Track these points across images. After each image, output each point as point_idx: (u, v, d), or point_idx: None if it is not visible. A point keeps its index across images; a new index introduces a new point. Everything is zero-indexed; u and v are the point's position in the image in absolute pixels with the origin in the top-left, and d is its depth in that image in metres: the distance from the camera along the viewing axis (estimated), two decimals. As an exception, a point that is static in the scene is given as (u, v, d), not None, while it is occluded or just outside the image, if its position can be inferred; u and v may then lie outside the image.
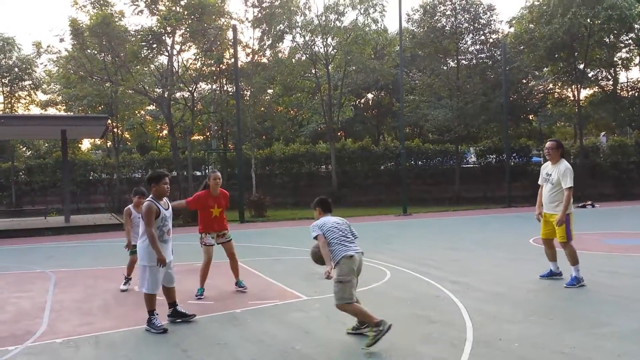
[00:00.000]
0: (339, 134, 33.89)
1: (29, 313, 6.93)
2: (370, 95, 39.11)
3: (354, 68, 30.30)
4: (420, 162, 31.67)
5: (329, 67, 29.39)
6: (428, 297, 7.25)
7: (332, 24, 28.07)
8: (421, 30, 29.95)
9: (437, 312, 6.42)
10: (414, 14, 30.26)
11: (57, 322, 6.42)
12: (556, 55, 28.70)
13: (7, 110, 30.60)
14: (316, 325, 5.97)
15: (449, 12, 29.35)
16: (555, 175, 7.46)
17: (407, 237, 14.92)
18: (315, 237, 5.60)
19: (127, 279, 8.32)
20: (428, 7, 29.46)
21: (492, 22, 29.80)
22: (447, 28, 29.40)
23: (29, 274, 10.12)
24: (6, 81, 30.28)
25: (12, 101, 31.14)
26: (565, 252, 7.49)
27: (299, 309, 6.72)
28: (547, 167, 7.74)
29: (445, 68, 30.80)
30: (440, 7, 29.37)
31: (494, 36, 30.23)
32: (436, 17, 29.42)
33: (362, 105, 39.37)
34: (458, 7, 29.15)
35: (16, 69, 30.08)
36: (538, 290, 7.47)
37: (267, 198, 23.76)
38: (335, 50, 29.36)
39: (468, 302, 6.80)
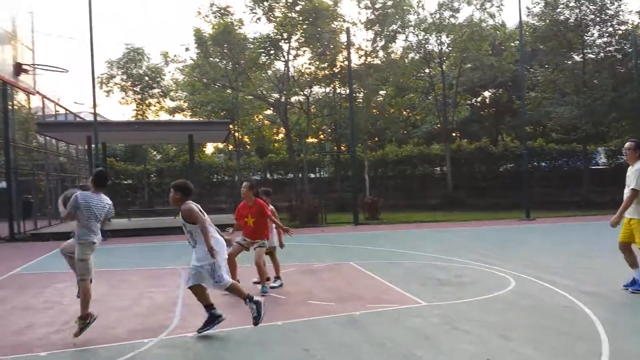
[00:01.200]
0: (454, 134, 33.00)
1: (162, 307, 7.42)
2: (487, 93, 37.66)
3: (469, 65, 29.39)
4: (543, 163, 29.98)
5: (443, 66, 28.75)
6: (557, 307, 6.82)
7: (447, 21, 27.45)
8: (542, 23, 28.47)
9: (568, 324, 6.02)
10: (534, 7, 28.90)
11: (189, 317, 6.82)
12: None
13: (139, 116, 33.22)
14: (437, 332, 5.82)
15: (572, 4, 27.57)
16: (632, 176, 7.22)
17: (531, 243, 14.15)
18: None
19: (277, 278, 8.64)
20: (550, -1, 27.85)
21: (620, 13, 27.59)
22: (570, 20, 27.66)
23: (161, 270, 10.87)
24: (137, 89, 32.86)
25: (143, 108, 33.74)
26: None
27: (419, 314, 6.60)
28: (628, 170, 7.45)
29: (569, 62, 28.94)
30: (562, -1, 27.67)
31: (622, 27, 27.98)
32: (559, 9, 27.77)
33: (478, 104, 38.02)
34: (583, -2, 27.29)
35: (146, 78, 32.54)
36: (686, 305, 6.76)
37: (381, 200, 23.68)
38: (450, 48, 28.66)
39: (601, 313, 6.31)
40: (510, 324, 6.08)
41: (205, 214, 6.13)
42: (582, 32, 27.64)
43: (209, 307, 6.11)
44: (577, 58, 29.03)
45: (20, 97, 25.39)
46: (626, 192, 7.32)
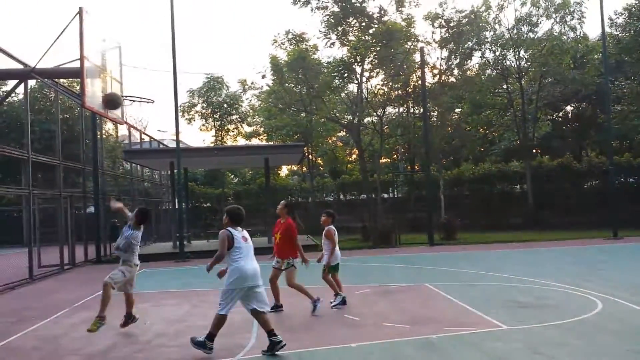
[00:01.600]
0: (534, 150, 31.81)
1: (239, 327, 7.56)
2: (569, 108, 36.10)
3: (550, 80, 28.36)
4: (631, 179, 28.24)
5: (522, 81, 27.92)
6: (648, 332, 6.38)
7: (525, 35, 26.71)
8: (627, 34, 27.16)
9: (663, 351, 5.61)
10: (617, 18, 27.61)
11: (264, 337, 6.89)
12: None
13: (218, 142, 34.44)
14: (519, 357, 5.59)
15: (658, 12, 26.09)
16: None
17: (619, 263, 13.34)
18: None
19: (338, 294, 8.75)
20: (634, 9, 26.52)
21: None
22: (657, 29, 26.14)
23: (239, 290, 11.07)
24: (217, 116, 34.12)
25: (222, 134, 34.97)
26: None
27: (499, 338, 6.36)
28: None
29: (657, 74, 27.27)
30: (647, 9, 26.27)
31: None
32: (643, 19, 26.35)
33: (560, 119, 36.48)
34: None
35: (225, 105, 33.78)
36: None
37: (457, 220, 23.09)
38: (528, 63, 27.83)
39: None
40: (598, 349, 5.74)
41: (246, 239, 6.54)
42: (671, 41, 26.05)
43: (269, 333, 6.24)
44: (665, 68, 27.33)
45: (108, 127, 27.06)
46: None
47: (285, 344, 6.11)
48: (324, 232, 8.96)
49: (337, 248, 8.89)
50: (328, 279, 8.84)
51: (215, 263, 6.37)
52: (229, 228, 6.45)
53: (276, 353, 6.05)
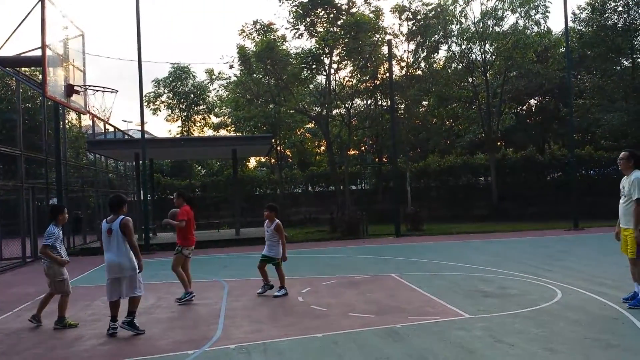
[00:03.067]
0: (498, 143, 32.41)
1: (206, 319, 7.56)
2: (533, 101, 36.87)
3: (514, 73, 28.90)
4: (592, 172, 29.06)
5: (487, 74, 28.36)
6: (605, 319, 6.62)
7: (490, 29, 27.10)
8: (589, 29, 27.83)
9: (617, 336, 5.83)
10: (581, 13, 28.26)
11: (231, 329, 6.92)
12: None
13: (185, 132, 34.00)
14: (481, 345, 5.72)
15: (620, 8, 26.83)
16: (627, 186, 7.17)
17: (579, 253, 13.73)
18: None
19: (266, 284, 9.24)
20: (597, 4, 27.22)
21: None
22: (619, 25, 26.89)
23: (205, 282, 11.05)
24: (183, 106, 33.67)
25: (189, 125, 34.54)
26: (631, 269, 7.19)
27: (462, 327, 6.50)
28: (622, 180, 7.39)
29: (618, 68, 28.08)
30: (610, 4, 27.01)
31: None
32: (606, 15, 27.11)
33: (524, 112, 37.22)
34: (631, 2, 26.48)
35: (192, 95, 33.34)
36: None
37: (423, 211, 23.40)
38: (494, 57, 28.27)
39: (655, 327, 6.08)
40: (557, 336, 5.93)
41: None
42: (631, 37, 26.82)
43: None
44: (626, 63, 28.17)
45: (71, 117, 26.42)
46: (622, 203, 7.27)
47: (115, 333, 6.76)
48: (272, 225, 9.09)
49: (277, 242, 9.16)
50: (263, 271, 9.20)
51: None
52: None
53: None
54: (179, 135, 33.88)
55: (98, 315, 8.07)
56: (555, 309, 7.28)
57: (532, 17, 26.75)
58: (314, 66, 24.13)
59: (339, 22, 23.81)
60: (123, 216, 7.01)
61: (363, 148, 36.01)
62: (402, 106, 27.88)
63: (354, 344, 5.97)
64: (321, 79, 27.26)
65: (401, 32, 26.69)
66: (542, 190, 28.02)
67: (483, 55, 28.04)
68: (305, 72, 24.32)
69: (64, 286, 7.51)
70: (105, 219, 7.09)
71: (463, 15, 27.28)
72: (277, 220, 9.13)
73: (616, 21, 27.07)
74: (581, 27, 28.69)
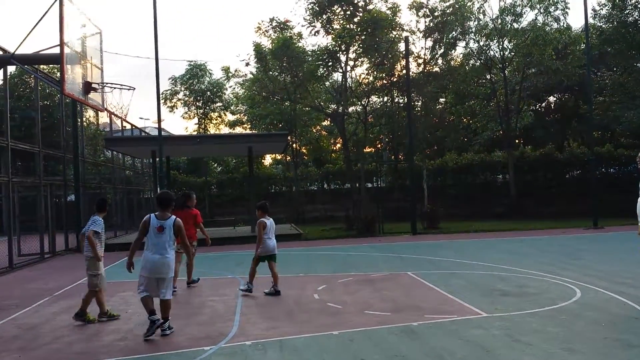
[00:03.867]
0: (517, 141, 32.07)
1: (222, 315, 7.58)
2: (552, 98, 36.40)
3: (533, 70, 28.54)
4: (612, 170, 28.63)
5: (506, 71, 28.06)
6: (626, 318, 6.50)
7: (509, 26, 26.80)
8: (610, 25, 27.38)
9: (637, 336, 5.73)
10: (601, 9, 27.79)
11: (247, 325, 6.92)
12: None
13: (201, 130, 34.15)
14: (497, 344, 5.65)
15: (642, 4, 26.32)
16: None
17: (598, 252, 13.54)
18: None
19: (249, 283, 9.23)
20: (617, 0, 26.72)
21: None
22: (639, 22, 26.39)
23: (221, 279, 11.09)
24: (200, 104, 33.83)
25: (205, 122, 34.70)
26: None
27: (479, 325, 6.43)
28: None
29: (638, 65, 27.58)
30: (631, 0, 26.47)
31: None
32: (627, 11, 26.63)
33: (543, 110, 36.77)
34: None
35: (208, 93, 33.48)
36: None
37: (440, 209, 23.23)
38: (512, 53, 27.96)
39: (678, 328, 5.95)
40: (576, 336, 5.83)
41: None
42: (653, 33, 26.34)
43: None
44: (647, 60, 27.67)
45: (89, 114, 26.70)
46: (638, 202, 7.25)
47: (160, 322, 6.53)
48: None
49: (270, 240, 9.06)
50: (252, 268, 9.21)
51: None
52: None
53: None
54: (195, 133, 34.05)
55: (117, 311, 8.12)
56: (574, 308, 7.16)
57: (552, 14, 26.42)
58: (330, 63, 24.06)
59: (355, 19, 23.68)
60: (174, 217, 6.72)
61: (379, 145, 35.85)
62: (419, 103, 27.70)
63: (370, 341, 5.93)
64: (337, 76, 27.18)
65: (418, 29, 26.49)
66: (561, 188, 27.68)
67: (501, 52, 27.76)
68: (321, 69, 24.26)
69: (96, 281, 7.49)
70: (154, 214, 6.68)
71: (481, 11, 27.02)
72: (261, 219, 9.07)
73: (637, 18, 26.58)
74: (601, 24, 28.25)
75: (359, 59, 24.88)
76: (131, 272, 6.83)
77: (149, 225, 6.55)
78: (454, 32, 26.14)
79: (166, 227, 6.54)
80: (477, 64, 28.71)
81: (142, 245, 6.75)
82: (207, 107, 34.17)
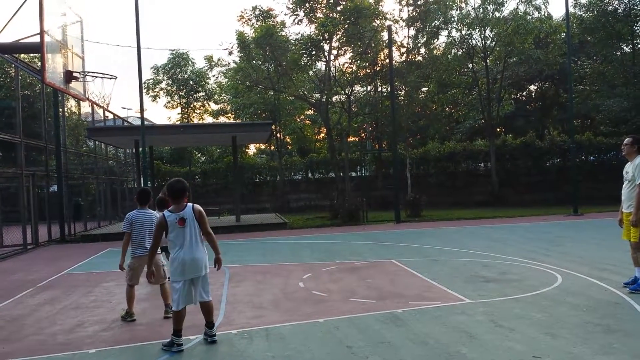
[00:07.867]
0: (498, 129, 32.36)
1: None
2: (533, 87, 36.78)
3: (515, 59, 28.78)
4: (592, 157, 29.08)
5: (487, 60, 28.24)
6: (606, 304, 6.64)
7: (491, 15, 26.93)
8: (590, 14, 27.66)
9: (617, 321, 5.85)
10: (582, -2, 28.01)
11: (232, 314, 6.96)
12: None
13: (185, 120, 33.89)
14: (481, 330, 5.75)
15: (621, -6, 26.68)
16: (630, 171, 7.23)
17: (579, 238, 13.78)
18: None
19: None
20: (597, -11, 27.04)
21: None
22: (619, 10, 26.75)
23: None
24: (183, 93, 33.52)
25: (188, 112, 34.42)
26: (632, 253, 7.23)
27: (463, 312, 6.53)
28: (626, 165, 7.42)
29: (618, 54, 27.97)
30: (611, -11, 26.83)
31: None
32: (607, 0, 26.90)
33: (524, 99, 37.16)
34: (633, -13, 26.36)
35: (191, 82, 33.18)
36: None
37: (423, 198, 23.47)
38: (494, 43, 28.13)
39: (656, 312, 6.11)
40: (558, 321, 5.95)
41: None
42: (632, 23, 26.70)
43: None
44: (627, 49, 28.06)
45: (71, 104, 26.34)
46: (625, 187, 7.32)
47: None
48: None
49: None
50: None
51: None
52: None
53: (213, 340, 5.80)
54: (178, 122, 33.79)
55: (99, 301, 8.10)
56: (556, 293, 7.31)
57: (533, 3, 26.59)
58: (313, 52, 23.99)
59: (338, 8, 23.63)
60: (191, 204, 5.83)
61: (363, 135, 35.94)
62: (402, 92, 27.79)
63: (355, 328, 6.00)
64: (321, 65, 27.14)
65: (401, 18, 26.54)
66: (541, 176, 28.06)
67: (483, 41, 27.91)
68: (304, 58, 24.18)
69: (125, 275, 7.08)
70: (167, 210, 5.81)
71: (463, 0, 27.11)
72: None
73: (617, 7, 26.96)
74: (582, 13, 28.56)
75: (342, 48, 24.85)
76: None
77: (167, 223, 5.64)
78: (436, 21, 26.23)
79: (187, 217, 5.69)
80: (459, 53, 28.85)
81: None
82: (190, 97, 33.87)
